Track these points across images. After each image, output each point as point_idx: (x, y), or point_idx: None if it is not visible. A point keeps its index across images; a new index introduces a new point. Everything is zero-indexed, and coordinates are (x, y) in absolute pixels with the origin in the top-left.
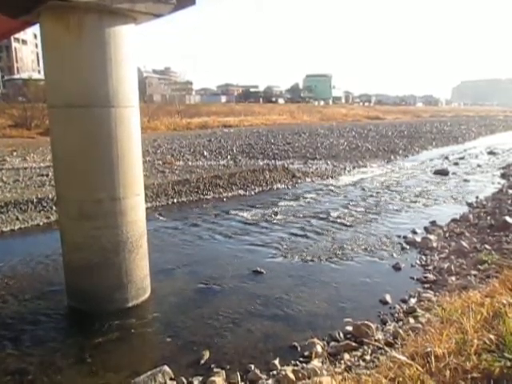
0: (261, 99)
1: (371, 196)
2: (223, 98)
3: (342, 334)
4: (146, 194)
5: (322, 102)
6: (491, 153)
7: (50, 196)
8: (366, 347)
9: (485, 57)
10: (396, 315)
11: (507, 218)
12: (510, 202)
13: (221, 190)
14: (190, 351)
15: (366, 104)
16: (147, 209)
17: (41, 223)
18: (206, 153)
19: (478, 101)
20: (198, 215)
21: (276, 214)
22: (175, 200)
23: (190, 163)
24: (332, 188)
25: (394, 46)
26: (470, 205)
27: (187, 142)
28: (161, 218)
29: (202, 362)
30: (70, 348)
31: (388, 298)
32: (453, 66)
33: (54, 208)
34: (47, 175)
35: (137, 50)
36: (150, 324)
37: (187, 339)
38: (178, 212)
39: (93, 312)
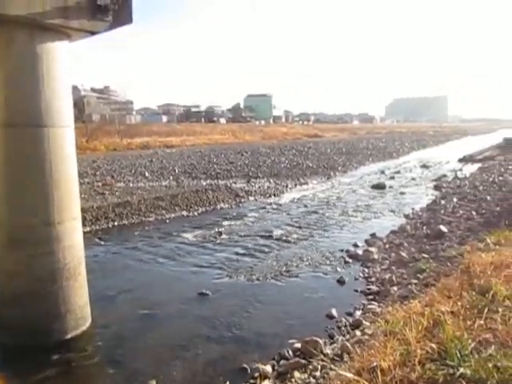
0: (202, 119)
1: (313, 212)
2: (164, 118)
3: (291, 352)
4: (84, 218)
5: (263, 122)
6: (424, 166)
7: None
8: (315, 363)
9: (415, 77)
10: (343, 329)
11: (441, 227)
12: (442, 211)
13: (163, 211)
14: (135, 382)
15: (305, 123)
16: (86, 233)
17: None
18: (147, 174)
19: (409, 117)
20: (140, 238)
21: (220, 233)
22: (116, 223)
23: (131, 184)
24: (275, 206)
25: (329, 66)
26: (406, 216)
27: (128, 163)
28: (101, 242)
29: None
30: None
31: (334, 312)
32: (385, 85)
33: None
34: None
35: (71, 67)
36: (92, 356)
37: (132, 369)
38: (119, 235)
39: (28, 347)
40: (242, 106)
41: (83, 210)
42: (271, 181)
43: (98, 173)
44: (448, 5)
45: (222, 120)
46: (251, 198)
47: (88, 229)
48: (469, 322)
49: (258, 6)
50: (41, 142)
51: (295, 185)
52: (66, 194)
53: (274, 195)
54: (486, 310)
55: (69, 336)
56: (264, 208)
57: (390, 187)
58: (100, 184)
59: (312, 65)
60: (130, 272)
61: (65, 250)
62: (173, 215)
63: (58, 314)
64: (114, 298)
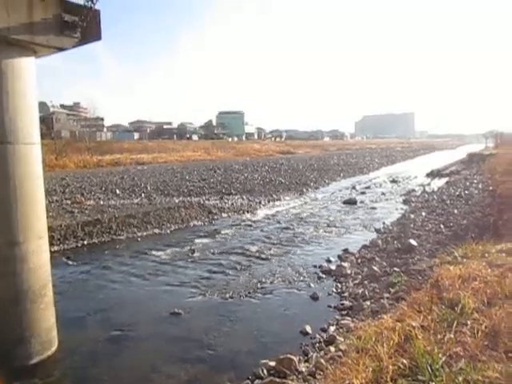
0: (175, 136)
1: (286, 228)
2: (136, 135)
3: (265, 371)
4: (52, 237)
5: (235, 138)
6: (393, 181)
7: None
8: (290, 382)
9: (382, 94)
10: (317, 345)
11: (411, 241)
12: (412, 225)
13: (135, 229)
14: None
15: (278, 139)
16: (54, 252)
17: None
18: (118, 191)
19: (378, 134)
20: (111, 257)
21: (193, 251)
22: (85, 242)
23: (101, 202)
24: (248, 222)
25: (300, 83)
26: (378, 231)
27: (98, 180)
28: (69, 261)
29: None
30: None
31: (308, 328)
32: (355, 102)
33: None
34: None
35: (39, 83)
36: (58, 382)
37: None
38: (89, 255)
39: None
40: (214, 123)
41: (51, 229)
42: (244, 197)
43: (67, 190)
44: (413, 25)
45: (195, 137)
46: (224, 215)
47: (56, 248)
48: (439, 336)
49: (229, 24)
50: (4, 159)
51: (268, 201)
52: (32, 212)
53: (248, 212)
54: (455, 324)
55: (33, 361)
56: (237, 225)
57: (361, 202)
58: (69, 202)
59: (284, 82)
60: (100, 292)
61: (30, 270)
62: (145, 233)
63: (21, 337)
64: (82, 320)
